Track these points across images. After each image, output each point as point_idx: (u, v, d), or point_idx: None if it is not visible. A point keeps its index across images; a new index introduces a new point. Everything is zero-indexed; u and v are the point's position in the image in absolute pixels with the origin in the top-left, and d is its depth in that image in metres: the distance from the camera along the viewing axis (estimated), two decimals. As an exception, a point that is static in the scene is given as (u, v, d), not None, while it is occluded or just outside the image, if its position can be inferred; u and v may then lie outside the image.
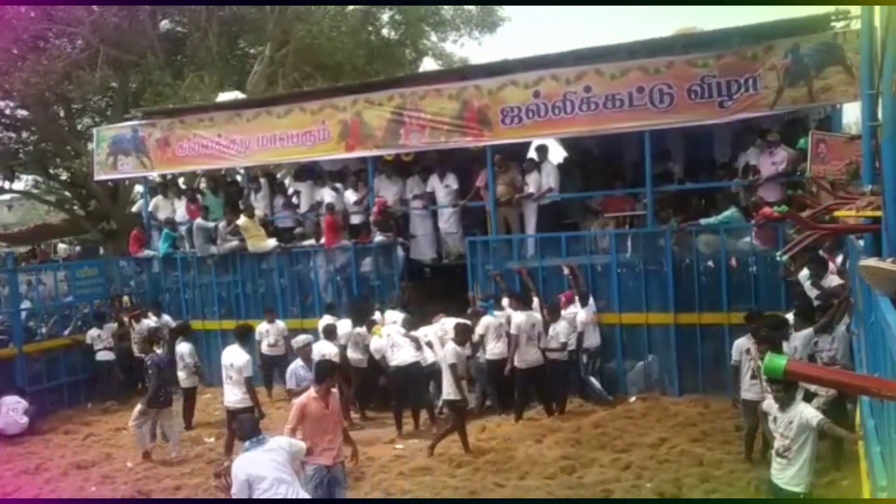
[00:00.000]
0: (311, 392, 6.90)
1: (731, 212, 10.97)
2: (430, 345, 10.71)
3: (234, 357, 9.48)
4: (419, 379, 10.55)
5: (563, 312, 10.74)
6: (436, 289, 13.59)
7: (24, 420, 11.62)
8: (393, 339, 10.58)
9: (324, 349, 10.12)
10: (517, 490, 8.02)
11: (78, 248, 25.64)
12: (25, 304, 13.92)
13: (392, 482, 8.56)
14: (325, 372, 7.04)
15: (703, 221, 11.18)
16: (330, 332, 10.74)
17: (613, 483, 8.01)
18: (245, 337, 10.03)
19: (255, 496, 5.83)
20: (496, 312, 11.07)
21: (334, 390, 7.03)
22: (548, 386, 10.65)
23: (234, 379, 9.41)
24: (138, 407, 10.07)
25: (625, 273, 11.52)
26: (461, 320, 10.51)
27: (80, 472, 9.74)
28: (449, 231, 13.23)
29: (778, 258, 8.66)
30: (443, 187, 13.33)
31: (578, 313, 10.82)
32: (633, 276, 11.48)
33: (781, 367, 3.29)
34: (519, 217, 12.69)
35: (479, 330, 10.79)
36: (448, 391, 9.46)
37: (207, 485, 8.80)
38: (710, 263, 11.07)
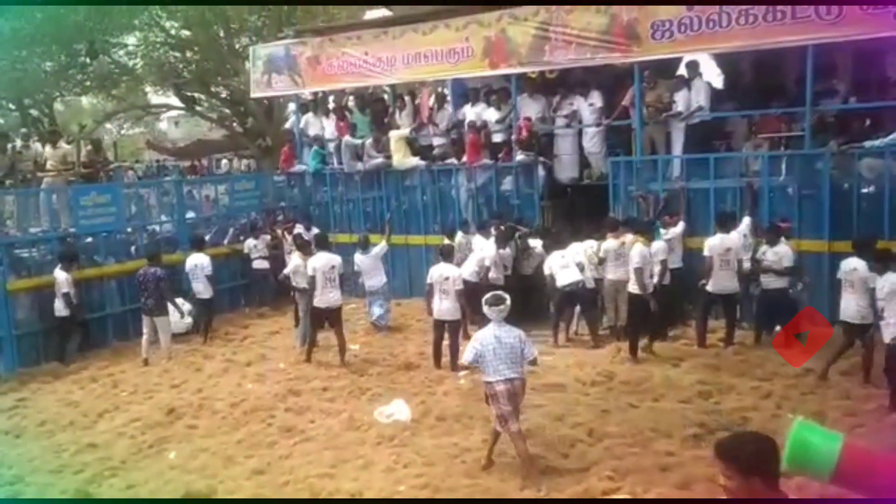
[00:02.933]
0: None
1: (900, 133, 10.15)
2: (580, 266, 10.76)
3: (448, 271, 10.01)
4: (585, 296, 10.83)
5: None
6: (576, 209, 13.46)
7: (188, 321, 12.62)
8: (566, 260, 10.72)
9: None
10: (651, 411, 8.03)
11: (247, 163, 26.94)
12: (190, 214, 14.93)
13: (525, 398, 8.75)
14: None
15: (867, 144, 10.41)
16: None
17: (751, 411, 7.85)
18: (450, 255, 10.53)
19: None
20: (664, 232, 10.83)
21: None
22: (732, 312, 10.28)
23: (450, 292, 9.91)
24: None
25: (776, 197, 10.99)
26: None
27: (238, 369, 10.57)
28: (592, 150, 12.97)
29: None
30: (587, 105, 13.03)
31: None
32: (786, 200, 10.94)
33: None
34: (666, 137, 12.27)
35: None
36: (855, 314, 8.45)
37: (353, 387, 9.37)
38: (872, 189, 10.36)
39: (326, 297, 10.40)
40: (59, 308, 11.15)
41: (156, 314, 10.99)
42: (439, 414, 8.27)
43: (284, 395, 9.23)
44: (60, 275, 11.05)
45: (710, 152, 11.80)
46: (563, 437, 7.44)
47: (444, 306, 10.00)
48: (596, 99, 12.93)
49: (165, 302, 11.07)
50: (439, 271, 10.11)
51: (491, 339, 6.73)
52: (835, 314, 9.33)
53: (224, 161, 29.53)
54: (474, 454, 7.21)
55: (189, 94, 24.91)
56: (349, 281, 11.99)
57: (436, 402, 8.71)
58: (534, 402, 8.45)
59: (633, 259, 9.82)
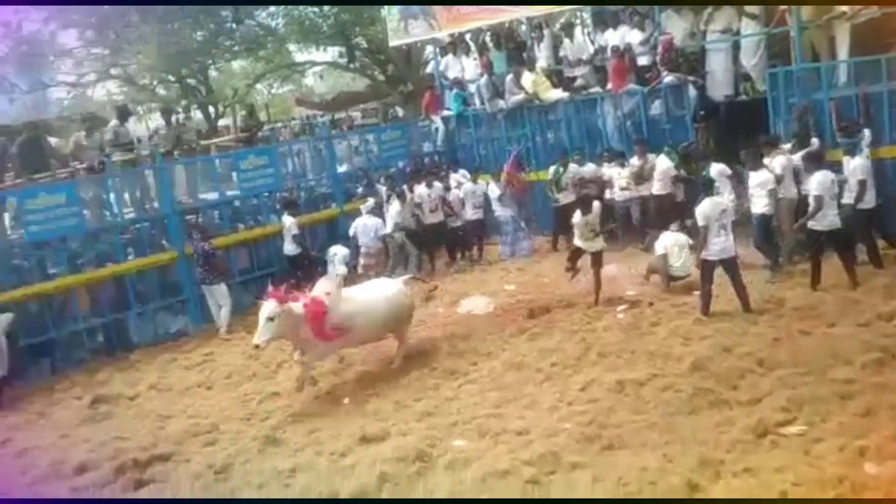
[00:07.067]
0: None
1: None
2: None
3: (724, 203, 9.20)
4: None
5: None
6: (734, 127, 12.70)
7: (343, 270, 12.88)
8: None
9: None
10: (826, 338, 7.62)
11: (391, 111, 27.28)
12: (342, 168, 15.31)
13: (689, 328, 8.55)
14: None
15: None
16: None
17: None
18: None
19: None
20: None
21: None
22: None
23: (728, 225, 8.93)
24: None
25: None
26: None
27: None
28: (752, 63, 12.09)
29: None
30: (740, 17, 12.13)
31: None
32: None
33: None
34: (829, 41, 11.27)
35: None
36: None
37: (513, 328, 9.46)
38: None
39: None
40: (290, 249, 12.51)
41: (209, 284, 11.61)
42: (600, 350, 8.23)
43: (449, 338, 9.47)
44: (288, 219, 12.51)
45: (881, 53, 10.75)
46: (731, 368, 7.23)
47: (730, 242, 8.88)
48: (750, 7, 11.99)
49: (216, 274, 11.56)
50: (718, 205, 8.96)
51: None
52: None
53: (356, 114, 30.19)
54: (639, 389, 7.14)
55: (351, 50, 25.39)
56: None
57: (596, 338, 8.68)
58: (700, 334, 8.26)
59: None
